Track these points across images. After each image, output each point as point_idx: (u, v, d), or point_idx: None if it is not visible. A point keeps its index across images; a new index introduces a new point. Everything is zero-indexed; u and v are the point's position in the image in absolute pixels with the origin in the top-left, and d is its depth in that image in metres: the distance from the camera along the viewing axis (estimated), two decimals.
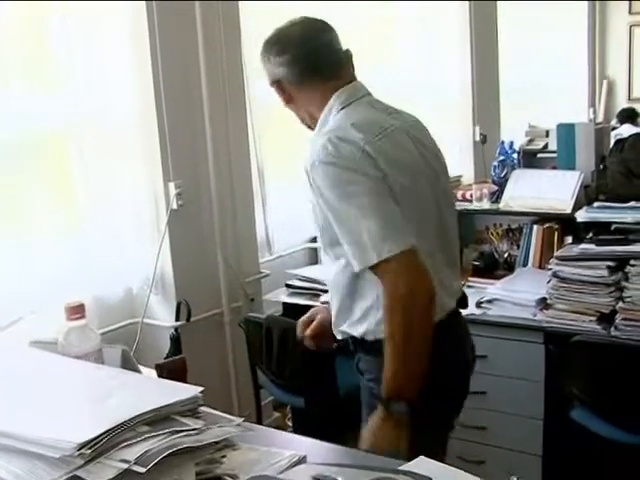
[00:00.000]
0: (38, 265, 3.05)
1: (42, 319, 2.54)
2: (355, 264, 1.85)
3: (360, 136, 1.88)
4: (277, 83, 2.09)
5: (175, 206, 3.33)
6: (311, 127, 2.13)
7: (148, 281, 3.35)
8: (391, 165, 1.88)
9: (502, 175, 3.82)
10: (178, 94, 3.36)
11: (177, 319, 3.37)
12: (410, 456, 1.41)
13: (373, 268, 1.82)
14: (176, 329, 3.32)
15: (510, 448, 3.24)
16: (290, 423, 3.81)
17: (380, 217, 1.80)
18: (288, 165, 4.45)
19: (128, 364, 1.69)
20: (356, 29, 4.78)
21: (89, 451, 1.11)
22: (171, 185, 3.32)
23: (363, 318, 2.00)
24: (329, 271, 2.07)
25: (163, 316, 3.41)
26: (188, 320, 3.36)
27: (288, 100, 2.12)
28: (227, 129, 3.58)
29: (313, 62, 2.03)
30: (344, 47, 2.08)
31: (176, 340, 3.29)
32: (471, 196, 3.75)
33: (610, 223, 3.13)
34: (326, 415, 3.09)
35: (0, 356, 1.65)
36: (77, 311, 1.59)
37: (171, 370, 1.96)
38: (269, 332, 3.13)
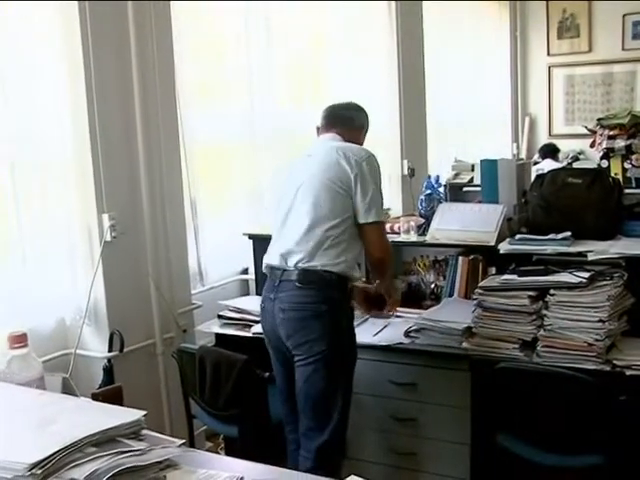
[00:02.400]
0: None
1: None
2: None
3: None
4: None
5: (109, 238, 3.35)
6: None
7: (81, 312, 3.35)
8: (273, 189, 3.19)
9: (429, 208, 3.89)
10: (112, 126, 3.40)
11: (110, 350, 3.37)
12: None
13: None
14: (109, 360, 3.32)
15: (439, 473, 3.31)
16: (223, 452, 3.82)
17: None
18: (221, 198, 4.51)
19: (69, 391, 1.71)
20: (287, 64, 4.90)
21: (40, 471, 1.15)
22: (105, 217, 3.35)
23: None
24: None
25: (96, 347, 3.41)
26: (121, 351, 3.36)
27: None
28: (160, 161, 3.63)
29: (323, 118, 3.17)
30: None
31: (109, 371, 3.29)
32: (399, 229, 3.80)
33: (531, 254, 3.24)
34: (259, 444, 3.12)
35: None
36: (20, 340, 1.62)
37: (107, 398, 2.00)
38: (202, 362, 3.16)
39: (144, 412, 1.35)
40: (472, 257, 3.61)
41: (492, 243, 3.46)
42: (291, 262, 2.92)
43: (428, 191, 3.97)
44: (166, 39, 3.69)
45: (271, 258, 3.02)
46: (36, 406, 1.47)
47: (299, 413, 2.99)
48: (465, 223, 3.62)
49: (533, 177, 3.85)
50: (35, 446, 1.22)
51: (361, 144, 3.12)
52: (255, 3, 4.51)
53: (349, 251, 2.94)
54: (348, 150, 2.95)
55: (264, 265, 3.07)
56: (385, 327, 3.47)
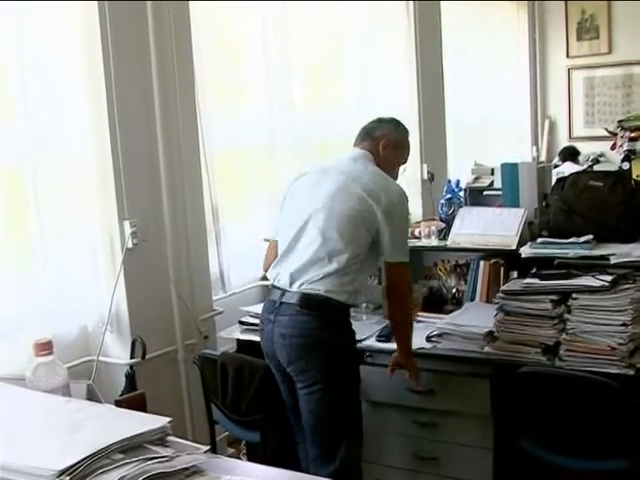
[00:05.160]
0: None
1: None
2: None
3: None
4: None
5: (130, 245, 3.36)
6: None
7: (103, 319, 3.35)
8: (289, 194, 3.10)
9: (449, 212, 3.89)
10: (133, 133, 3.41)
11: (132, 357, 3.38)
12: None
13: None
14: (131, 366, 3.33)
15: (461, 478, 3.29)
16: (245, 458, 3.83)
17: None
18: (242, 203, 4.51)
19: (93, 398, 1.73)
20: (305, 65, 4.90)
21: (68, 478, 1.16)
22: (126, 223, 3.36)
23: None
24: None
25: (118, 354, 3.42)
26: (143, 357, 3.37)
27: None
28: (181, 167, 3.63)
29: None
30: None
31: (131, 377, 3.30)
32: (420, 233, 3.80)
33: (553, 258, 3.22)
34: (281, 450, 3.12)
35: None
36: (45, 347, 1.63)
37: (131, 405, 2.01)
38: (224, 368, 3.17)
39: (169, 419, 1.36)
40: (493, 261, 3.59)
41: (513, 247, 3.45)
42: (296, 284, 2.86)
43: (448, 195, 3.97)
44: (185, 40, 3.69)
45: (277, 276, 2.96)
46: (63, 413, 1.49)
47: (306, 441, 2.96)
48: (486, 227, 3.61)
49: (554, 180, 3.83)
50: (63, 453, 1.23)
51: (381, 154, 3.06)
52: (272, 3, 4.50)
53: (354, 282, 2.90)
54: (378, 187, 2.90)
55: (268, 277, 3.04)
56: None
